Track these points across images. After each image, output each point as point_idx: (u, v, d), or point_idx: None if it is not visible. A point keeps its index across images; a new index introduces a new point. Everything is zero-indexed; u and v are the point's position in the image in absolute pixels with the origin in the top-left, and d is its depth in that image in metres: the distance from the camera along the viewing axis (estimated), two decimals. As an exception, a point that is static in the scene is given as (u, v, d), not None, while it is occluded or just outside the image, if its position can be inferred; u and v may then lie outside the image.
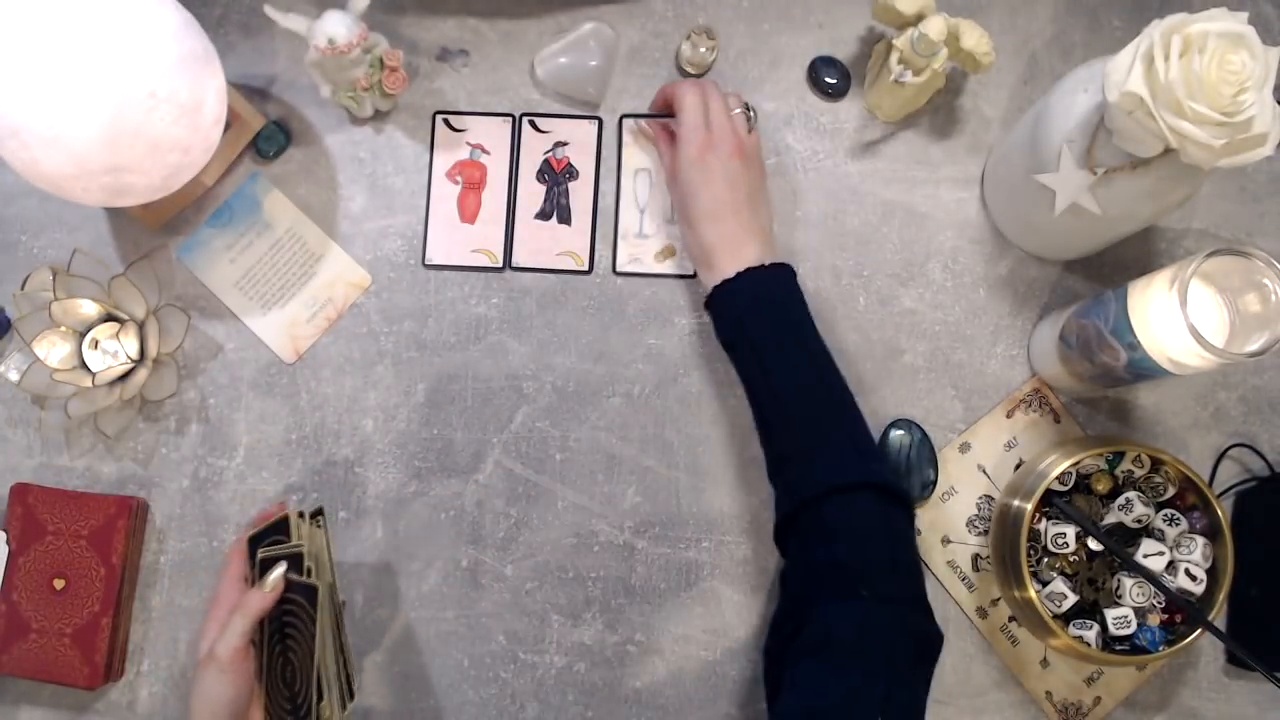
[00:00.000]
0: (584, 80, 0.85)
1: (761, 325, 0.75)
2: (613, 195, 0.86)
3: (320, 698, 0.67)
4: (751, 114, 0.81)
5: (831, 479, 0.69)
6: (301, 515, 0.71)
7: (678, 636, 0.81)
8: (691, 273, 0.84)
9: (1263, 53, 0.62)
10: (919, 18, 0.78)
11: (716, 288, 0.77)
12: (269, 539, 0.70)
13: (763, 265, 0.76)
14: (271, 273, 0.85)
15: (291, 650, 0.68)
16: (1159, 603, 0.75)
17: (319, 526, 0.73)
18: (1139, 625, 0.75)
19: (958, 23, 0.78)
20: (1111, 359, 0.72)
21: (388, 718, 0.80)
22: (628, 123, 0.86)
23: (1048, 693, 0.81)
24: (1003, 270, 0.85)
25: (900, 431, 0.82)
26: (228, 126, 0.82)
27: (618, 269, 0.85)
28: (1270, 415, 0.84)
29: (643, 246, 0.85)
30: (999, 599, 0.81)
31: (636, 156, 0.86)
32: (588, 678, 0.81)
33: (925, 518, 0.82)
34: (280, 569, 0.68)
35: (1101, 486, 0.77)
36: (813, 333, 0.75)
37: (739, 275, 0.75)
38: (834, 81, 0.86)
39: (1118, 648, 0.75)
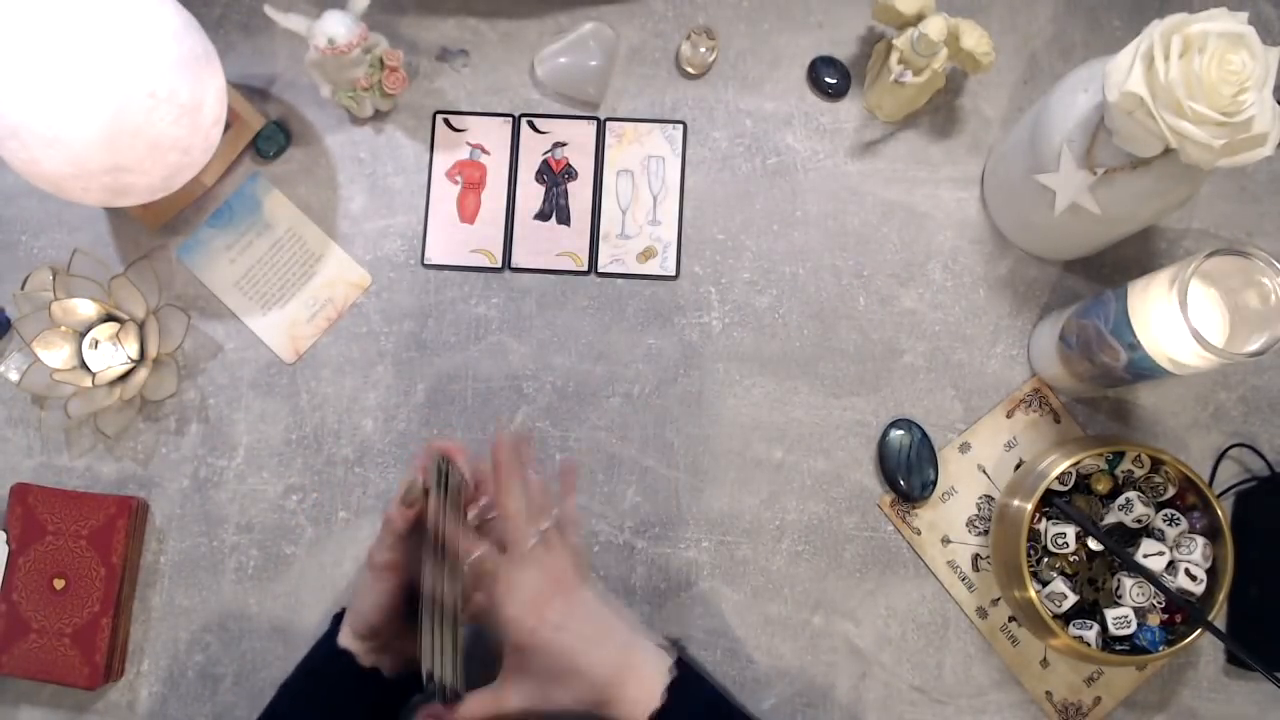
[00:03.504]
0: (584, 80, 0.86)
1: None
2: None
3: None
4: (554, 519, 0.67)
5: None
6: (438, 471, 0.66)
7: (678, 637, 0.81)
8: (672, 274, 0.85)
9: (1263, 53, 0.62)
10: (919, 18, 0.78)
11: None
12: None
13: (673, 674, 0.64)
14: (271, 273, 0.85)
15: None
16: (1159, 603, 0.75)
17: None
18: (1139, 625, 0.75)
19: (957, 23, 0.78)
20: (1111, 359, 0.72)
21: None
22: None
23: (1048, 692, 0.81)
24: (1003, 270, 0.85)
25: (900, 431, 0.82)
26: (228, 127, 0.82)
27: (599, 269, 0.85)
28: (1270, 415, 0.84)
29: (624, 247, 0.85)
30: (999, 599, 0.81)
31: (619, 157, 0.86)
32: (588, 678, 0.81)
33: (925, 518, 0.82)
34: (415, 483, 0.66)
35: (1101, 486, 0.77)
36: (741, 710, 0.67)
37: (669, 701, 0.63)
38: (834, 81, 0.86)
39: (1118, 648, 0.75)
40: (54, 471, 0.83)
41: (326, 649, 0.70)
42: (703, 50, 0.86)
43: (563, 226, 0.85)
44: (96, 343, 0.82)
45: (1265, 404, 0.84)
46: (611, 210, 0.86)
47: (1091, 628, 0.75)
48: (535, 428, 0.83)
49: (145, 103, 0.69)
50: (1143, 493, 0.76)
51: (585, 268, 0.85)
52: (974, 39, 0.79)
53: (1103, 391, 0.83)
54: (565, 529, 0.67)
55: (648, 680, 0.63)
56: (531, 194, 0.86)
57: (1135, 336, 0.68)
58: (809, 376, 0.84)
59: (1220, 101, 0.61)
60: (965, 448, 0.83)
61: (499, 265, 0.85)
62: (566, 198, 0.86)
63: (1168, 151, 0.65)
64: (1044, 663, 0.81)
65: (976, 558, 0.82)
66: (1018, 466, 0.83)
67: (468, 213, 0.86)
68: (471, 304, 0.85)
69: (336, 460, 0.83)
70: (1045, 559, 0.77)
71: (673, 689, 0.63)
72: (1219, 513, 0.75)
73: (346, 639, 0.70)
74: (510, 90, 0.87)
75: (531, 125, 0.87)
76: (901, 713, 0.81)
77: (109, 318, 0.83)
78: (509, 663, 0.65)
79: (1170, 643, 0.74)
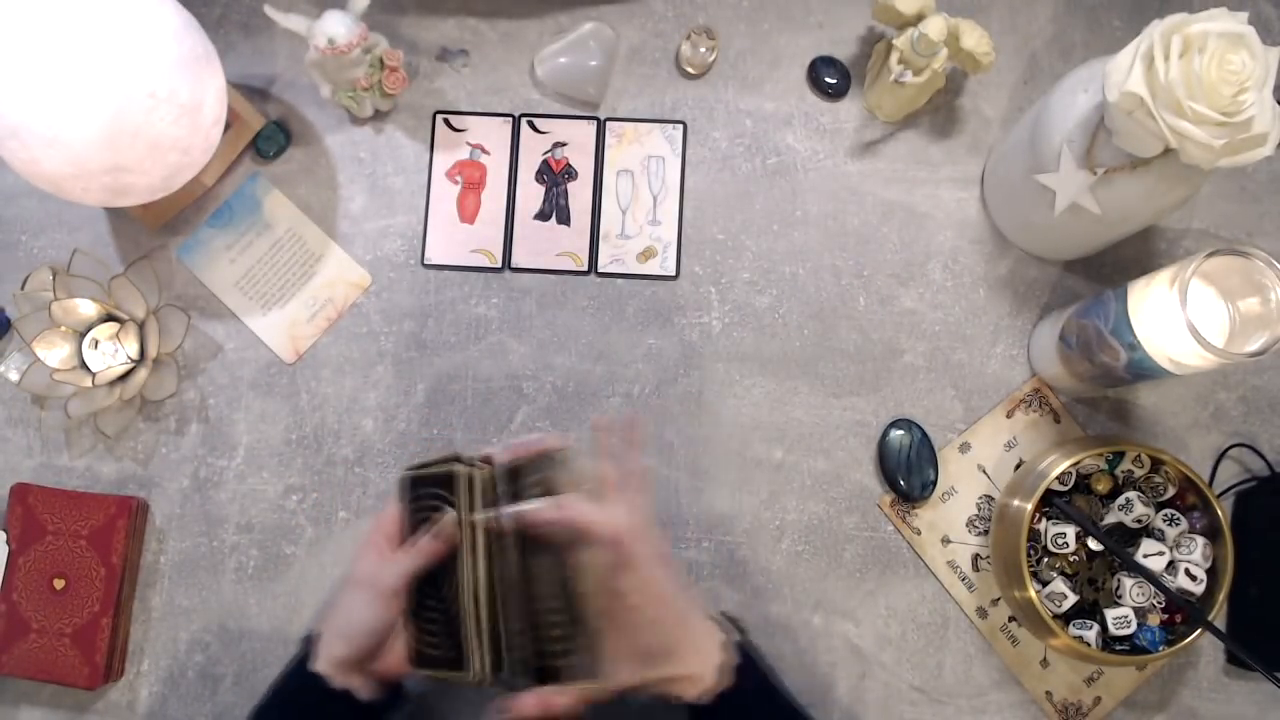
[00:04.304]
0: (584, 80, 0.86)
1: None
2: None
3: (469, 654, 0.63)
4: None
5: None
6: (472, 469, 0.65)
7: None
8: (672, 274, 0.85)
9: (1262, 53, 0.62)
10: (919, 18, 0.78)
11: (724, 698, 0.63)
12: (431, 486, 0.67)
13: (739, 656, 0.64)
14: (271, 273, 0.85)
15: (439, 586, 0.65)
16: (1159, 603, 0.75)
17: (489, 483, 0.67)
18: (1139, 625, 0.75)
19: (957, 23, 0.79)
20: (1112, 359, 0.72)
21: (388, 718, 0.80)
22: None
23: (1048, 692, 0.81)
24: (1003, 270, 0.85)
25: (900, 431, 0.82)
26: (228, 126, 0.82)
27: (599, 269, 0.85)
28: (1270, 415, 0.84)
29: (624, 247, 0.85)
30: (999, 599, 0.81)
31: (619, 157, 0.86)
32: (588, 678, 0.81)
33: (925, 518, 0.82)
34: (450, 515, 0.64)
35: (1101, 486, 0.77)
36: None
37: (739, 681, 0.63)
38: (834, 81, 0.86)
39: (1118, 648, 0.75)
40: (54, 471, 0.83)
41: (299, 674, 0.66)
42: (703, 50, 0.86)
43: (563, 226, 0.85)
44: (96, 343, 0.82)
45: (1265, 404, 0.84)
46: (611, 210, 0.86)
47: (1091, 628, 0.75)
48: (535, 427, 0.83)
49: (145, 103, 0.69)
50: (1143, 493, 0.76)
51: (585, 268, 0.85)
52: (974, 39, 0.79)
53: (1103, 391, 0.83)
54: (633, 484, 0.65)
55: (714, 652, 0.63)
56: (531, 194, 0.86)
57: (1135, 336, 0.68)
58: (809, 376, 0.84)
59: (1220, 101, 0.61)
60: (965, 448, 0.83)
61: (499, 265, 0.85)
62: (566, 198, 0.86)
63: (1168, 151, 0.65)
64: (1044, 663, 0.81)
65: (976, 558, 0.82)
66: (1018, 466, 0.83)
67: (468, 213, 0.86)
68: (471, 304, 0.85)
69: (336, 460, 0.83)
70: (1045, 559, 0.77)
71: (740, 670, 0.63)
72: (1219, 513, 0.75)
73: (322, 664, 0.65)
74: (510, 90, 0.87)
75: (531, 125, 0.87)
76: (901, 713, 0.81)
77: (109, 318, 0.83)
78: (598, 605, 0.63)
79: (1170, 643, 0.74)
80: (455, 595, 0.64)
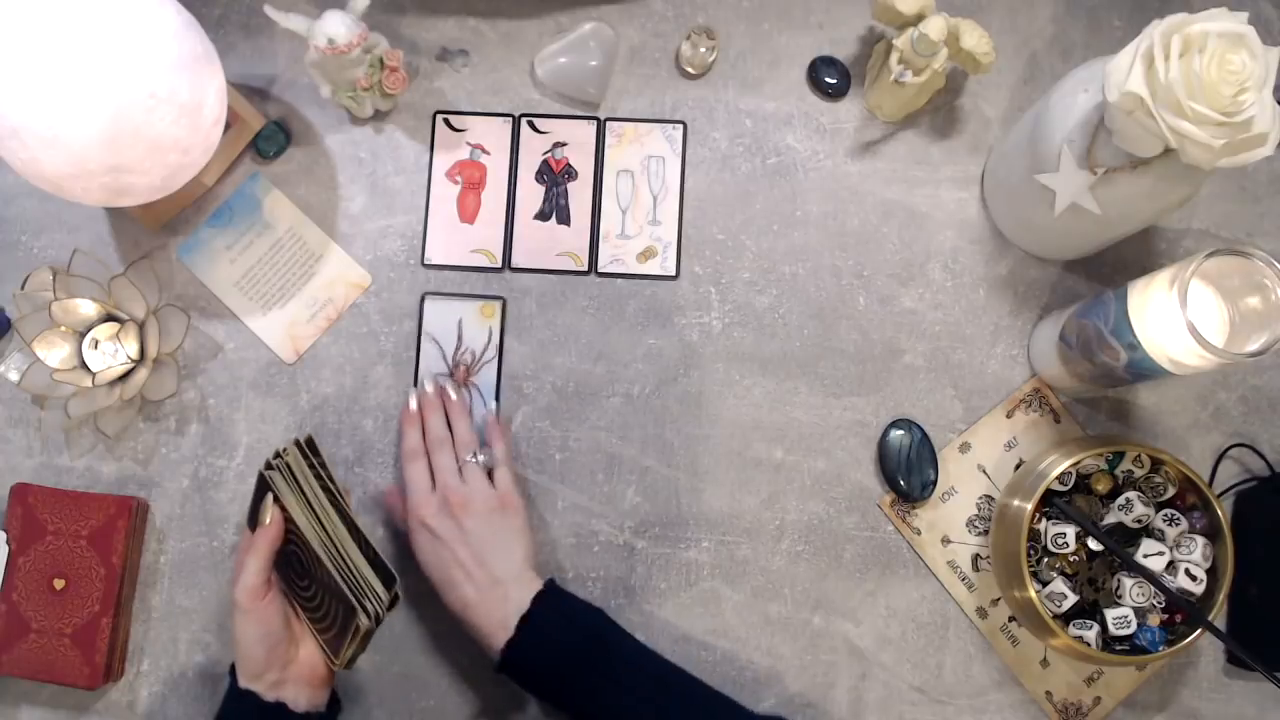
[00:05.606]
0: (584, 80, 0.86)
1: (582, 668, 0.70)
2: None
3: (359, 599, 0.68)
4: (479, 459, 0.77)
5: None
6: (271, 471, 0.71)
7: (677, 637, 0.81)
8: (672, 274, 0.85)
9: (1263, 53, 0.62)
10: (919, 18, 0.78)
11: (507, 649, 0.71)
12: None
13: (536, 607, 0.71)
14: (271, 273, 0.85)
15: (306, 574, 0.71)
16: (1159, 603, 0.75)
17: (297, 456, 0.72)
18: (1139, 625, 0.75)
19: (958, 23, 0.79)
20: (1111, 359, 0.72)
21: (388, 717, 0.80)
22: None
23: (1048, 692, 0.81)
24: (1003, 270, 0.85)
25: (900, 431, 0.82)
26: (228, 126, 0.82)
27: (599, 269, 0.85)
28: (1270, 415, 0.84)
29: (624, 247, 0.85)
30: (999, 599, 0.81)
31: (619, 157, 0.86)
32: (588, 678, 0.81)
33: (925, 518, 0.82)
34: (268, 498, 0.70)
35: (1101, 486, 0.77)
36: (635, 648, 0.73)
37: (520, 631, 0.70)
38: (834, 81, 0.86)
39: (1118, 648, 0.75)
40: (54, 471, 0.83)
41: (231, 698, 0.71)
42: (703, 50, 0.86)
43: (563, 226, 0.85)
44: (96, 343, 0.82)
45: (1265, 404, 0.84)
46: (611, 210, 0.86)
47: (1091, 628, 0.75)
48: (535, 427, 0.83)
49: (145, 103, 0.69)
50: (1143, 493, 0.76)
51: (585, 268, 0.85)
52: (974, 39, 0.79)
53: (1103, 391, 0.83)
54: (497, 465, 0.78)
55: (502, 617, 0.71)
56: (531, 194, 0.86)
57: (1135, 336, 0.68)
58: (809, 376, 0.84)
59: (1220, 101, 0.61)
60: (965, 448, 0.83)
61: (499, 265, 0.85)
62: (566, 198, 0.86)
63: (1168, 151, 0.65)
64: (1044, 663, 0.81)
65: (976, 558, 0.82)
66: (1018, 466, 0.83)
67: (468, 213, 0.86)
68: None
69: (336, 460, 0.83)
70: (1045, 559, 0.77)
71: (523, 624, 0.70)
72: (1219, 513, 0.75)
73: (246, 681, 0.70)
74: (510, 90, 0.87)
75: (531, 125, 0.87)
76: (901, 713, 0.81)
77: (109, 318, 0.83)
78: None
79: (1170, 643, 0.74)
80: (314, 559, 0.69)
